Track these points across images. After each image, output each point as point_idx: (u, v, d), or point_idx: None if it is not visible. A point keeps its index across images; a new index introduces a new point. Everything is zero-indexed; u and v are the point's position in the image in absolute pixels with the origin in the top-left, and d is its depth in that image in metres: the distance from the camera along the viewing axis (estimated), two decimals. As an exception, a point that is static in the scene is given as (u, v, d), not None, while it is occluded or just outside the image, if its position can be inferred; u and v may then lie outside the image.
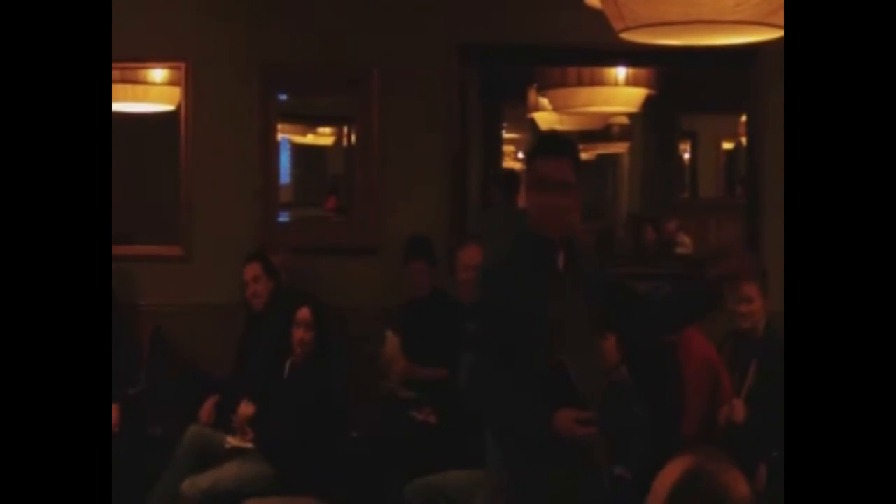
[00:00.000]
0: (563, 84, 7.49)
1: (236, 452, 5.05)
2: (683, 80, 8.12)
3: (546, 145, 4.00)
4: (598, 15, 3.05)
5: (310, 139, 7.70)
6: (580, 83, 7.33)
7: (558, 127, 8.42)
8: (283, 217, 6.29)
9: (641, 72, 7.24)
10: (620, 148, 10.64)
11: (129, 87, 6.29)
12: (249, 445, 5.04)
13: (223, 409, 5.34)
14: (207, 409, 5.43)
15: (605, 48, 5.45)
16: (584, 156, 8.51)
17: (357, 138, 6.24)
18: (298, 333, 4.98)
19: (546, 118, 8.78)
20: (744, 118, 6.99)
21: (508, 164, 10.96)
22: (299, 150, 6.44)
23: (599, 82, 7.30)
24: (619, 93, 7.41)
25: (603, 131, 9.96)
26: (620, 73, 7.17)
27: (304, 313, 4.99)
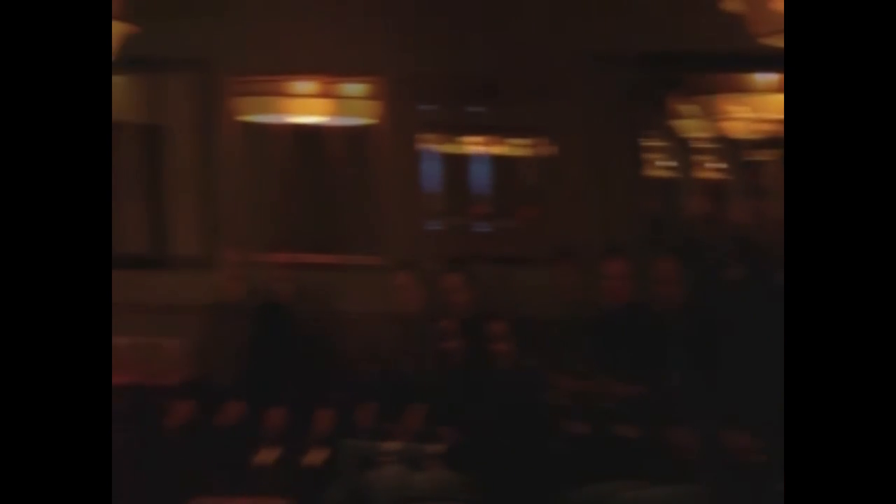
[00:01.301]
0: (708, 91, 7.38)
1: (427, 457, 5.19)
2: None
3: None
4: (741, 19, 3.04)
5: (502, 150, 7.81)
6: (724, 90, 7.22)
7: (701, 134, 8.30)
8: (480, 227, 6.38)
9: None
10: (769, 156, 10.41)
11: (322, 101, 6.63)
12: (441, 450, 5.15)
13: (426, 416, 5.48)
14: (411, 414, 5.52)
15: (750, 53, 5.42)
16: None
17: (549, 149, 6.29)
18: (497, 345, 5.10)
19: (690, 125, 8.63)
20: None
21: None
22: (492, 161, 6.56)
23: (745, 89, 7.14)
24: (768, 100, 7.17)
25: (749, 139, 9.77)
26: (766, 78, 6.92)
27: (498, 325, 5.12)
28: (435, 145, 6.52)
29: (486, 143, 6.66)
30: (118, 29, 3.89)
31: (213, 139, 6.82)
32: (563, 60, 6.14)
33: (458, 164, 6.67)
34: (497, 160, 6.77)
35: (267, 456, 5.78)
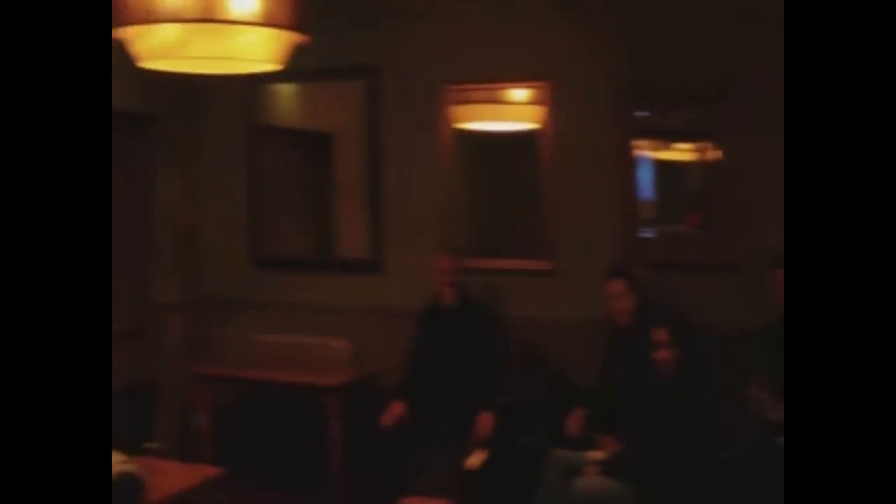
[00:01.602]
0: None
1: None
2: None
3: None
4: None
5: (669, 155, 7.79)
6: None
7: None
8: (646, 233, 6.44)
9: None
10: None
11: (493, 106, 6.73)
12: (604, 458, 5.16)
13: (589, 423, 5.52)
14: (576, 421, 5.60)
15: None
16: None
17: (717, 153, 6.23)
18: (660, 353, 5.07)
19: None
20: None
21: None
22: (659, 166, 6.57)
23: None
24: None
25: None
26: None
27: (661, 334, 5.07)
28: (648, 151, 6.48)
29: (698, 149, 6.58)
30: (292, 39, 3.98)
31: (385, 145, 6.96)
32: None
33: (670, 170, 6.61)
34: (673, 166, 6.70)
35: (430, 459, 5.87)
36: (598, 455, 5.17)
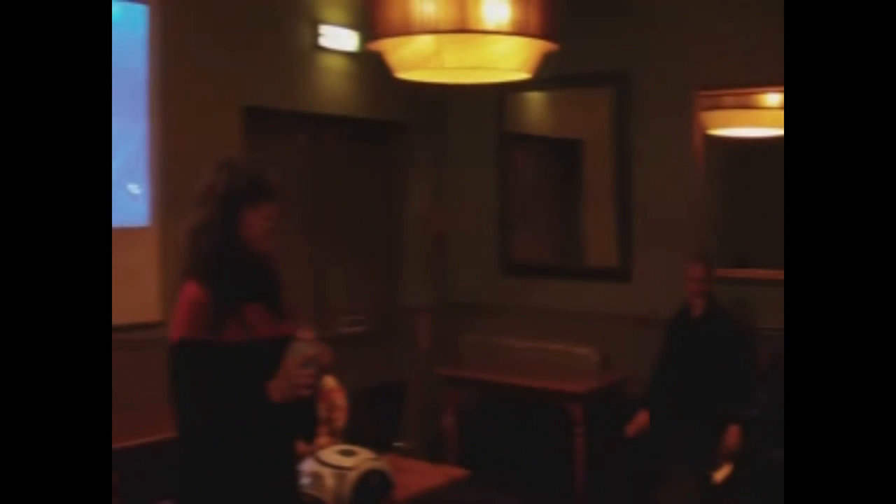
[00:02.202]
0: None
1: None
2: None
3: None
4: None
5: None
6: None
7: None
8: None
9: None
10: None
11: (745, 112, 6.66)
12: None
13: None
14: None
15: None
16: None
17: None
18: None
19: None
20: None
21: None
22: None
23: None
24: None
25: None
26: None
27: None
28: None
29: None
30: (542, 47, 4.01)
31: (634, 152, 6.92)
32: None
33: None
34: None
35: (675, 470, 5.78)
36: None
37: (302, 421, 3.20)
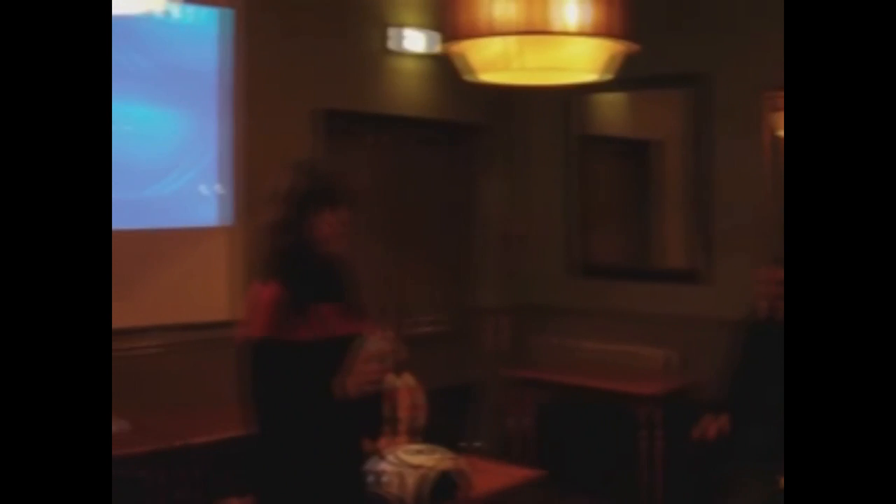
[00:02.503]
0: None
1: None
2: None
3: None
4: None
5: None
6: None
7: None
8: None
9: None
10: None
11: None
12: None
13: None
14: None
15: None
16: None
17: None
18: None
19: None
20: None
21: None
22: None
23: None
24: None
25: None
26: None
27: None
28: None
29: None
30: (619, 48, 4.00)
31: (709, 154, 6.87)
32: None
33: None
34: None
35: (745, 476, 5.73)
36: None
37: (369, 418, 3.24)
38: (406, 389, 4.29)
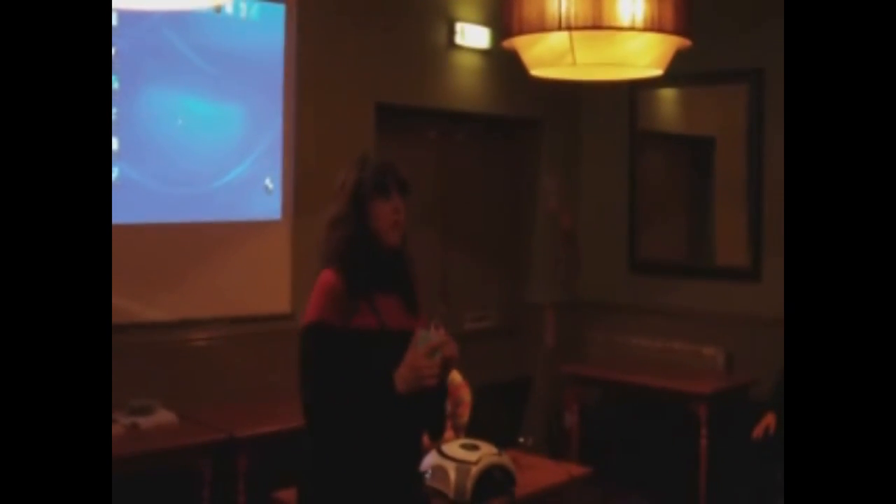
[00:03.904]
0: None
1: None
2: None
3: None
4: None
5: None
6: None
7: None
8: None
9: None
10: None
11: None
12: None
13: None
14: None
15: None
16: None
17: None
18: None
19: None
20: None
21: None
22: None
23: None
24: None
25: None
26: None
27: None
28: None
29: None
30: (676, 44, 3.98)
31: (768, 150, 6.81)
32: None
33: None
34: None
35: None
36: None
37: (428, 414, 3.22)
38: (452, 386, 4.30)
